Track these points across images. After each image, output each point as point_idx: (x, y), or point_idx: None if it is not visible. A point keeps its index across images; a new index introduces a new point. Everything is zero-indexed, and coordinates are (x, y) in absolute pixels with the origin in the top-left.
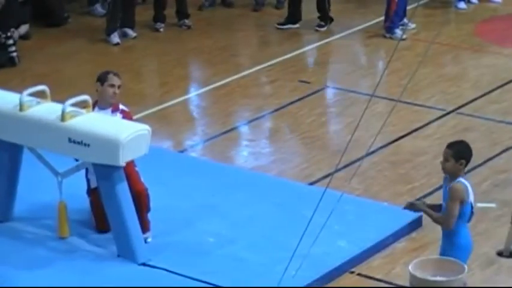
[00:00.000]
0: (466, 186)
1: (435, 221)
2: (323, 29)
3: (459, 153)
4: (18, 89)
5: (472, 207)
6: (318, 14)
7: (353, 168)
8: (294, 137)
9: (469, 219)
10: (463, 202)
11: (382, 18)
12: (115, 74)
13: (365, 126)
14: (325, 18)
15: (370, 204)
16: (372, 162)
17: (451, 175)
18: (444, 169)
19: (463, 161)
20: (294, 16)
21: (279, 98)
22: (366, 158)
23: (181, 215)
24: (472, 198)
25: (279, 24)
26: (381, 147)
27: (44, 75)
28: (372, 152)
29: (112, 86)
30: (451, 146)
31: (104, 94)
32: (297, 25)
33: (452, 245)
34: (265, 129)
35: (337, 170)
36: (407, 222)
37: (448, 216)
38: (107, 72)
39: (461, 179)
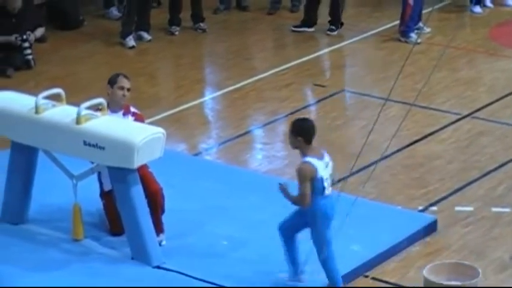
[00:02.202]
0: (312, 165)
1: (294, 202)
2: (333, 33)
3: (296, 129)
4: (34, 92)
5: (322, 180)
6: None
7: (367, 172)
8: None
9: (323, 191)
10: (312, 179)
11: (397, 22)
12: (125, 76)
13: (380, 130)
14: (336, 22)
15: (384, 208)
16: (387, 166)
17: (297, 149)
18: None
19: (300, 138)
20: (310, 19)
21: (293, 102)
22: (380, 162)
23: (195, 217)
24: (323, 173)
25: (294, 26)
26: (395, 151)
27: (60, 78)
28: (387, 156)
29: (122, 88)
30: (294, 121)
31: (114, 96)
32: (312, 29)
33: (313, 217)
34: (279, 133)
35: (351, 174)
36: (422, 227)
37: (303, 197)
38: (117, 75)
39: (308, 158)
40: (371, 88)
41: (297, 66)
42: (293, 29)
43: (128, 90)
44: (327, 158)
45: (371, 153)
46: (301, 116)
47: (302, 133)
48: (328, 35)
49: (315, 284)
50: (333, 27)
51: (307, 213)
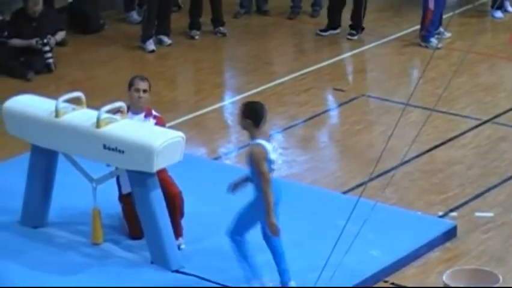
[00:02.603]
0: (264, 146)
1: (263, 188)
2: (354, 38)
3: (246, 112)
4: (54, 95)
5: (271, 162)
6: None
7: (387, 177)
8: (328, 146)
9: (271, 173)
10: (266, 160)
11: (417, 27)
12: (141, 79)
13: (400, 135)
14: (357, 27)
15: (404, 213)
16: (406, 172)
17: (247, 131)
18: None
19: (250, 121)
20: (334, 22)
21: (313, 106)
22: (400, 167)
23: (214, 221)
24: (272, 155)
25: (320, 30)
26: (415, 157)
27: (80, 82)
28: (407, 161)
29: (137, 90)
30: (244, 103)
31: (131, 99)
32: (337, 30)
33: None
34: (299, 137)
35: (371, 179)
36: (441, 232)
37: (265, 175)
38: (134, 77)
39: (258, 140)
40: (391, 93)
41: (317, 70)
42: (319, 33)
43: (145, 91)
44: (274, 142)
45: (390, 159)
46: (253, 100)
47: (252, 116)
48: (349, 39)
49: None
50: (354, 32)
51: (258, 199)
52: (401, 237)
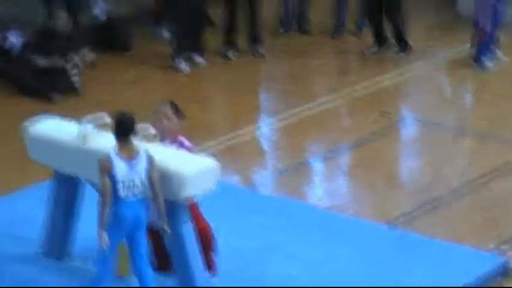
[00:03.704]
0: (110, 159)
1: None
2: (401, 56)
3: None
4: (79, 118)
5: (117, 181)
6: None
7: (437, 208)
8: (373, 174)
9: (118, 192)
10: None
11: (469, 46)
12: (164, 103)
13: (451, 162)
14: (402, 45)
15: (453, 247)
16: (458, 202)
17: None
18: None
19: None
20: (380, 39)
21: (357, 131)
22: (450, 198)
23: (249, 255)
24: (121, 174)
25: (368, 51)
26: (467, 186)
27: (107, 104)
28: (457, 192)
29: (160, 115)
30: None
31: (154, 124)
32: (386, 49)
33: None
34: (341, 165)
35: (419, 210)
36: (494, 268)
37: (102, 192)
38: (162, 103)
39: (111, 152)
40: (441, 117)
41: (361, 93)
42: (367, 53)
43: (168, 118)
44: (141, 162)
45: (440, 189)
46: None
47: (114, 128)
48: (395, 60)
49: None
50: (400, 51)
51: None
52: (451, 273)
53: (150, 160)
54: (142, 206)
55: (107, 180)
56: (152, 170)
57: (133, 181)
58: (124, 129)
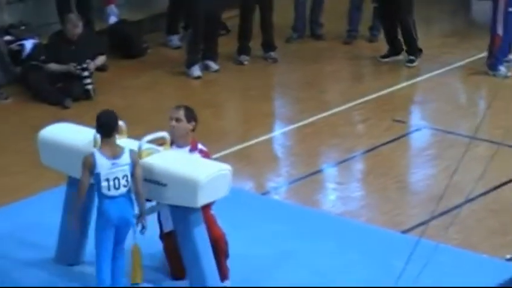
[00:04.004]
0: (93, 156)
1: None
2: (413, 64)
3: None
4: (93, 124)
5: (99, 175)
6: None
7: (450, 216)
8: (387, 181)
9: (101, 189)
10: (91, 172)
11: (485, 53)
12: (177, 107)
13: (464, 170)
14: (414, 51)
15: (468, 255)
16: (472, 210)
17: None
18: None
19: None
20: (395, 47)
21: (371, 138)
22: (465, 206)
23: (262, 262)
24: (104, 170)
25: (381, 57)
26: (482, 194)
27: (121, 109)
28: (472, 199)
29: (171, 119)
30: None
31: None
32: (400, 56)
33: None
34: (355, 172)
35: (433, 218)
36: (509, 277)
37: (78, 187)
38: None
39: (95, 150)
40: (456, 125)
41: (375, 100)
42: (380, 60)
43: (178, 120)
44: (124, 160)
45: (454, 196)
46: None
47: (97, 127)
48: (408, 67)
49: None
50: (412, 58)
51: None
52: (465, 281)
53: (133, 157)
54: (127, 203)
55: (86, 176)
56: (136, 166)
57: (117, 178)
58: (106, 128)
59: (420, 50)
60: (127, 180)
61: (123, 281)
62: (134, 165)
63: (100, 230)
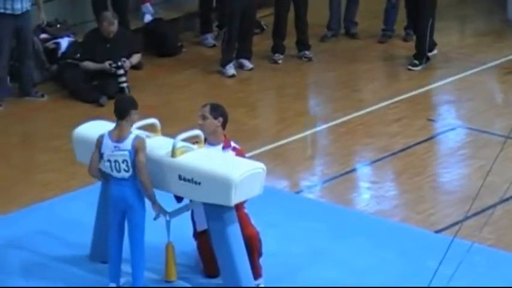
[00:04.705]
0: (101, 137)
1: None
2: (415, 68)
3: None
4: None
5: (103, 156)
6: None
7: (485, 216)
8: (421, 180)
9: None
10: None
11: None
12: (204, 105)
13: (499, 170)
14: (421, 56)
15: (503, 255)
16: (506, 210)
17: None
18: None
19: None
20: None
21: (405, 138)
22: (499, 206)
23: (296, 260)
24: (108, 151)
25: (410, 65)
26: None
27: (155, 107)
28: (507, 199)
29: (198, 117)
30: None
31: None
32: (435, 51)
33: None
34: (389, 171)
35: (467, 218)
36: None
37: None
38: None
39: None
40: (491, 124)
41: (410, 99)
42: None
43: (204, 117)
44: (126, 145)
45: (489, 196)
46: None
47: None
48: (409, 69)
49: None
50: (416, 62)
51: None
52: (500, 281)
53: (134, 144)
54: (129, 188)
55: (95, 154)
56: (137, 154)
57: (117, 161)
58: (118, 110)
59: (428, 58)
60: (127, 166)
61: (142, 278)
62: (135, 152)
63: (108, 210)
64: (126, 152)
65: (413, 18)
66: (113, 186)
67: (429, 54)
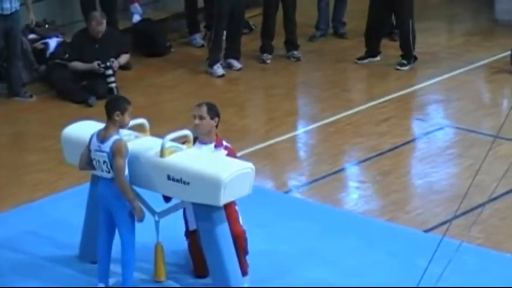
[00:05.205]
0: (90, 137)
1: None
2: (404, 68)
3: None
4: None
5: (90, 153)
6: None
7: (474, 215)
8: (409, 180)
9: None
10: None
11: (509, 52)
12: (199, 104)
13: (487, 169)
14: (408, 56)
15: (492, 255)
16: (495, 209)
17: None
18: None
19: None
20: (373, 49)
21: (393, 137)
22: (488, 205)
23: (284, 260)
24: (93, 148)
25: (358, 59)
26: (505, 193)
27: (144, 108)
28: (495, 198)
29: (194, 117)
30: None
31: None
32: (377, 58)
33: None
34: (377, 171)
35: (455, 217)
36: None
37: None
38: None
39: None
40: (479, 124)
41: (398, 98)
42: (357, 61)
43: (201, 118)
44: (106, 147)
45: (477, 195)
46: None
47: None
48: (398, 69)
49: None
50: (405, 62)
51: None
52: (489, 280)
53: (112, 147)
54: (109, 189)
55: (85, 149)
56: (114, 156)
57: (99, 162)
58: (106, 109)
59: (415, 58)
60: (107, 167)
61: (132, 278)
62: (112, 155)
63: (98, 210)
64: (105, 154)
65: (374, 19)
66: (99, 184)
67: (373, 60)
